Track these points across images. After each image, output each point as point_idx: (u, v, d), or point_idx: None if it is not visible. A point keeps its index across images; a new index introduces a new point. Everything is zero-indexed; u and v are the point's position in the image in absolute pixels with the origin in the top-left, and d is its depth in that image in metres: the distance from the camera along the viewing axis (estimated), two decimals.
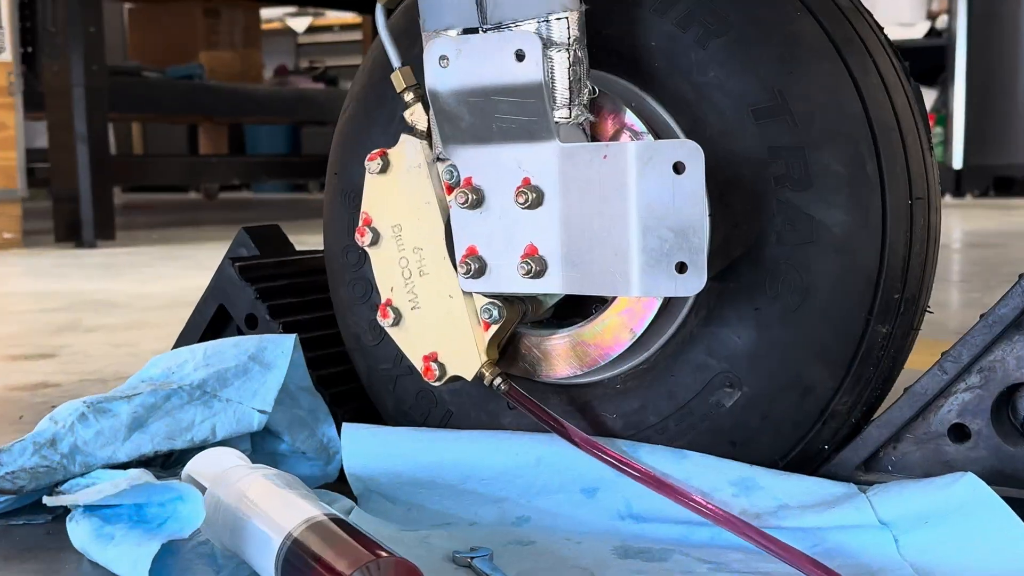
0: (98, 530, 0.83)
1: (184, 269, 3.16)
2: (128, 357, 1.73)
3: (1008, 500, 0.81)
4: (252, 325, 1.13)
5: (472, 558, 0.83)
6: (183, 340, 1.17)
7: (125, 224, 5.06)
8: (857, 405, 0.91)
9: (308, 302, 1.17)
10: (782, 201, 0.88)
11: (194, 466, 0.90)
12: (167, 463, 1.00)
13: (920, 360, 0.98)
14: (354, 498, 0.97)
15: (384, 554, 0.70)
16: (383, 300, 0.96)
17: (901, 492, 0.85)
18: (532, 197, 0.87)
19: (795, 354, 0.89)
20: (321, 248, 1.14)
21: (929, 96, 6.17)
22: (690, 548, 0.86)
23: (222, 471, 0.86)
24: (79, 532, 0.85)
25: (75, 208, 4.01)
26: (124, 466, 0.94)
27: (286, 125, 7.78)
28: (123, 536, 0.81)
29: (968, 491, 0.82)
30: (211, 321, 1.16)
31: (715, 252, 0.88)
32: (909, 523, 0.83)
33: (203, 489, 0.85)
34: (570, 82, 0.85)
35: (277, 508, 0.79)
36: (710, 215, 0.88)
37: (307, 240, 1.64)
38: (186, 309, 1.21)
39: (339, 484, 1.03)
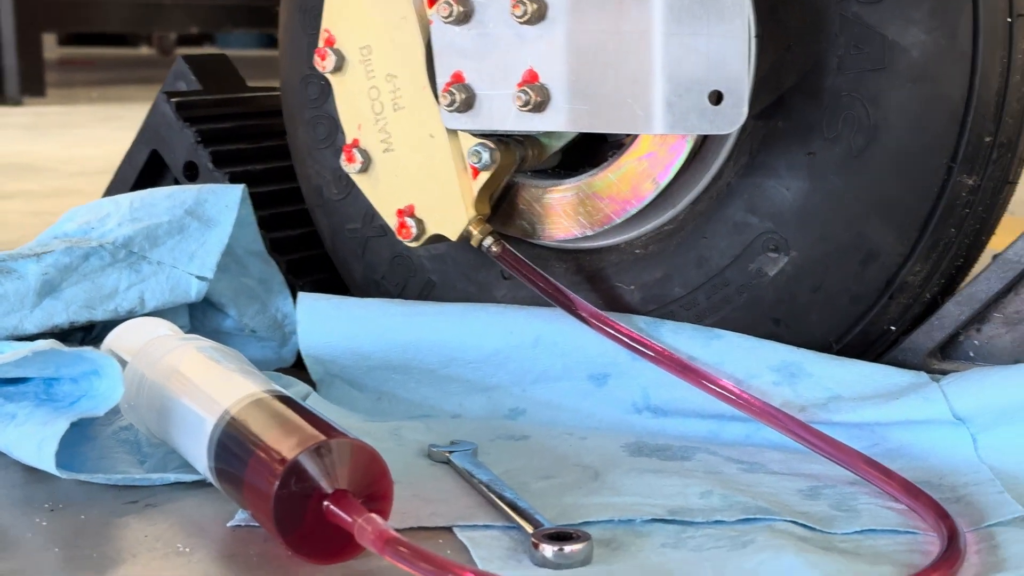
0: None
1: (124, 131, 3.15)
2: (48, 227, 1.73)
3: None
4: (192, 175, 1.13)
5: (451, 452, 0.84)
6: (110, 195, 1.17)
7: (60, 81, 5.05)
8: (933, 276, 0.91)
9: (261, 149, 1.17)
10: (847, 16, 0.86)
11: (115, 338, 0.91)
12: (86, 339, 1.02)
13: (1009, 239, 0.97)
14: (313, 384, 0.98)
15: (337, 435, 0.70)
16: (348, 140, 0.96)
17: (982, 382, 0.85)
18: (532, 9, 0.86)
19: (857, 210, 0.88)
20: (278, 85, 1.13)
21: None
22: (719, 446, 0.87)
23: (146, 342, 0.87)
24: None
25: None
26: (32, 339, 0.95)
27: None
28: (27, 415, 0.82)
29: None
30: (143, 170, 1.16)
31: (761, 82, 0.87)
32: (990, 419, 0.83)
33: (125, 364, 0.86)
34: None
35: (213, 384, 0.80)
36: (756, 35, 0.86)
37: None
38: None
39: (295, 370, 1.04)
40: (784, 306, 0.91)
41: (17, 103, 4.01)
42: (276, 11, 1.07)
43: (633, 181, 0.92)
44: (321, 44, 0.95)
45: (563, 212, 0.95)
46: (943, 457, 0.83)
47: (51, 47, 7.01)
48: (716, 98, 0.82)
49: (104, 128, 3.27)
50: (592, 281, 0.96)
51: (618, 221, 0.93)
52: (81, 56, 7.43)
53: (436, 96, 0.92)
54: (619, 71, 0.84)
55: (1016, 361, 0.90)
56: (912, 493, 0.75)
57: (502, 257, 0.93)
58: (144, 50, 8.31)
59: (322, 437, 0.70)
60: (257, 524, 0.74)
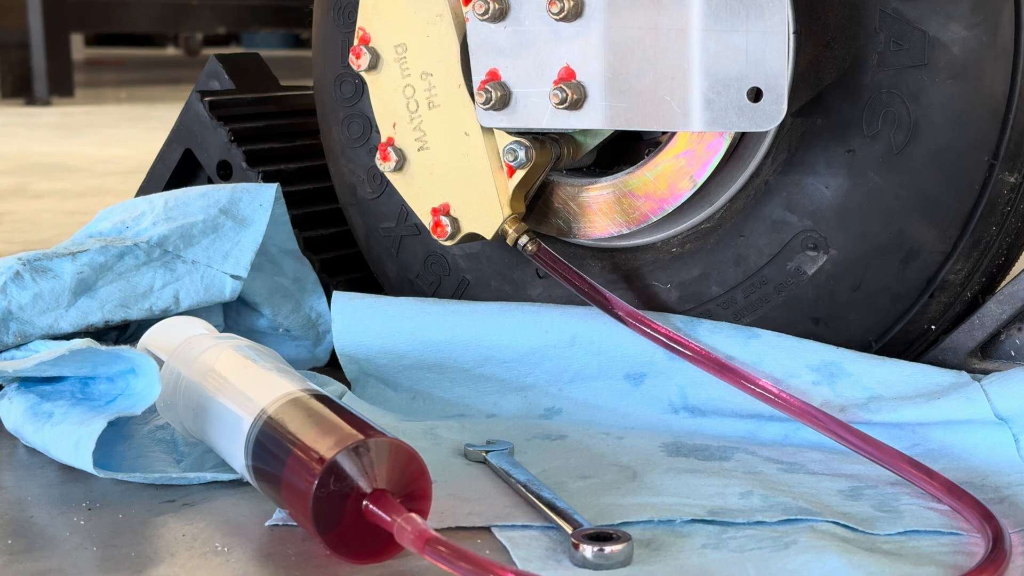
0: (34, 407, 0.84)
1: (154, 131, 3.18)
2: (81, 226, 1.75)
3: None
4: (226, 174, 1.13)
5: (487, 452, 0.84)
6: (143, 194, 1.18)
7: (88, 82, 5.08)
8: (974, 275, 0.90)
9: (294, 148, 1.16)
10: (887, 12, 0.85)
11: (151, 337, 0.91)
12: (120, 339, 1.02)
13: None
14: (348, 384, 0.98)
15: (375, 434, 0.70)
16: (383, 139, 0.96)
17: None
18: (569, 6, 0.85)
19: (897, 208, 0.87)
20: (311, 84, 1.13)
21: None
22: (757, 446, 0.86)
23: (182, 341, 0.87)
24: (12, 411, 0.87)
25: (25, 57, 4.03)
26: (68, 337, 0.95)
27: None
28: (64, 414, 0.82)
29: None
30: (176, 169, 1.16)
31: (800, 78, 0.86)
32: None
33: (162, 364, 0.86)
34: None
35: (249, 383, 0.80)
36: (795, 31, 0.86)
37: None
38: None
39: (330, 369, 1.05)
40: (823, 305, 0.90)
41: (46, 103, 4.04)
42: (302, 11, 1.06)
43: (670, 179, 0.91)
44: (356, 42, 0.95)
45: (599, 210, 0.95)
46: (985, 458, 0.82)
47: (78, 48, 7.06)
48: (755, 95, 0.81)
49: (133, 128, 3.29)
50: (628, 280, 0.96)
51: (655, 219, 0.93)
52: (108, 57, 7.48)
53: (471, 94, 0.91)
54: (657, 68, 0.84)
55: None
56: (955, 494, 0.75)
57: (538, 256, 0.92)
58: (170, 51, 8.36)
59: (360, 436, 0.70)
60: (295, 523, 0.74)
